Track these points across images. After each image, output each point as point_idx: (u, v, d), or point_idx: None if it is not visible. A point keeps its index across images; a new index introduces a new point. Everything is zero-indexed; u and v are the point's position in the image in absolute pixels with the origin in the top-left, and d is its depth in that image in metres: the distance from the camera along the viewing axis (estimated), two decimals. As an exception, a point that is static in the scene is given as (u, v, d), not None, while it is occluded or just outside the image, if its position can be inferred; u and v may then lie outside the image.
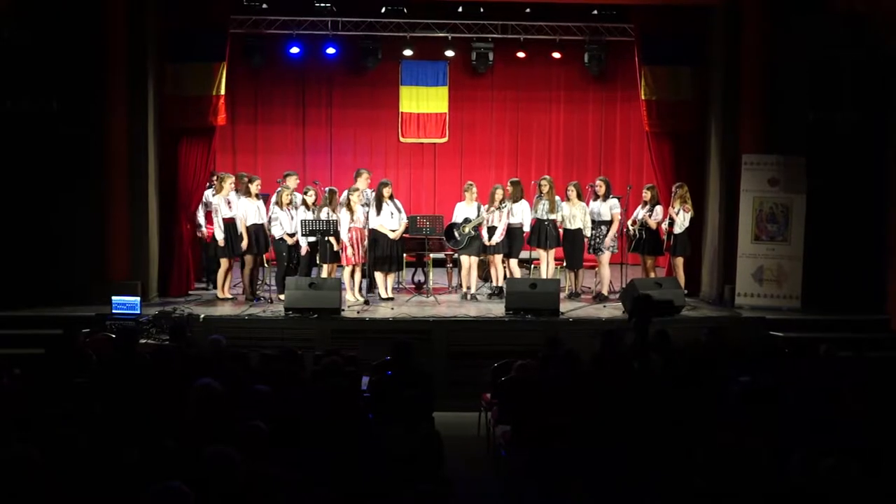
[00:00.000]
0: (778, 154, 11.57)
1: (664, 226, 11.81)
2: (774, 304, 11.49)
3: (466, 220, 11.61)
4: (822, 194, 11.51)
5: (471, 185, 11.93)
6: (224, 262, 11.59)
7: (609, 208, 11.88)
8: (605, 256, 11.88)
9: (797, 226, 11.55)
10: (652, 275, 11.78)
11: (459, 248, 11.69)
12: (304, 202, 11.57)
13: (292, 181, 11.84)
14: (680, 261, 11.77)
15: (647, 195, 11.92)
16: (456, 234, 11.63)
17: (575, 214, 11.74)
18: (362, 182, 11.75)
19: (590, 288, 12.32)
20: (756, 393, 6.22)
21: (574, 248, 11.84)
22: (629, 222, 11.99)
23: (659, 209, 11.82)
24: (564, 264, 12.12)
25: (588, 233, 11.82)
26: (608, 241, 11.83)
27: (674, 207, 11.65)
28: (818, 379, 7.08)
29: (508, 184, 11.88)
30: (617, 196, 12.15)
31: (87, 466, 4.59)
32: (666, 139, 12.44)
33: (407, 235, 11.82)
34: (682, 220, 11.61)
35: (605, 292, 11.88)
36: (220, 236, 11.42)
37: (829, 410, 6.01)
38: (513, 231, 11.74)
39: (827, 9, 11.26)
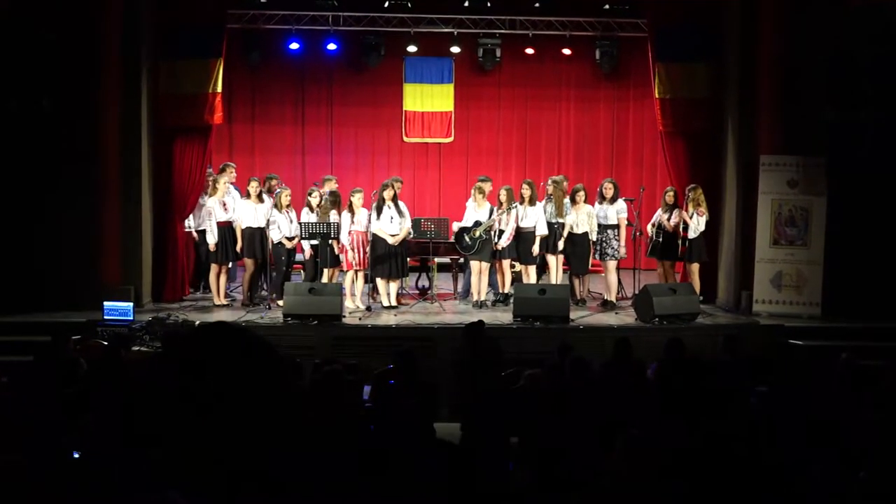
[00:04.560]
0: (797, 155, 11.30)
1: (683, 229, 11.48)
2: (794, 310, 11.24)
3: (477, 224, 11.28)
4: (843, 196, 11.24)
5: (481, 187, 11.58)
6: (214, 267, 11.36)
7: (616, 212, 11.59)
8: (612, 262, 11.55)
9: (817, 229, 11.29)
10: (669, 280, 11.42)
11: (471, 254, 11.31)
12: (308, 204, 11.32)
13: (228, 174, 11.70)
14: (695, 266, 11.47)
15: (668, 197, 11.56)
16: (466, 238, 11.26)
17: (581, 218, 11.43)
18: (330, 185, 11.82)
19: (601, 294, 11.97)
20: (776, 402, 5.99)
21: (580, 252, 11.51)
22: (648, 225, 11.68)
23: (676, 212, 11.51)
24: (569, 270, 11.86)
25: (594, 237, 11.48)
26: (622, 249, 11.54)
27: (687, 211, 11.35)
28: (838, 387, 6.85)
29: (524, 185, 11.58)
30: (629, 198, 11.90)
31: (76, 475, 4.46)
32: (680, 139, 12.15)
33: (412, 240, 11.53)
34: (697, 224, 11.30)
35: (612, 299, 11.57)
36: (211, 241, 11.21)
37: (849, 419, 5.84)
38: (525, 235, 11.38)
39: (847, 2, 11.04)
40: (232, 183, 11.72)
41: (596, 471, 4.76)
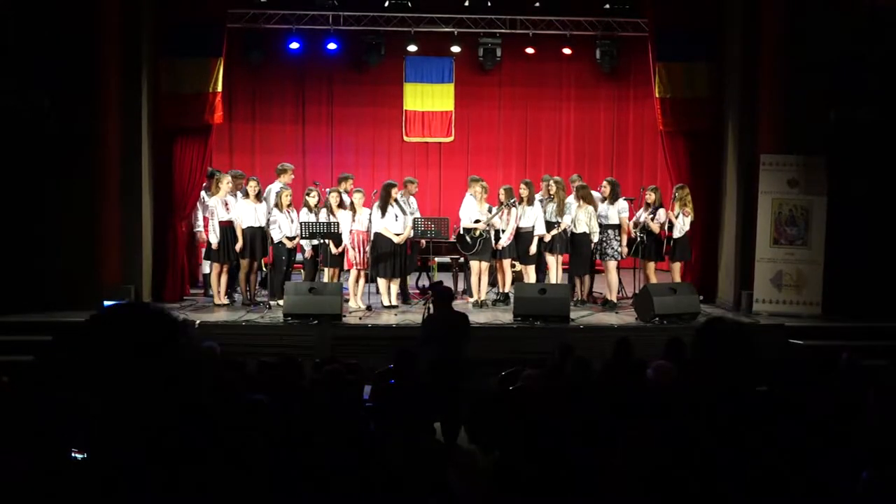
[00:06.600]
0: (798, 154, 11.22)
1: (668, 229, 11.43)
2: (794, 310, 11.17)
3: (477, 223, 11.23)
4: (843, 196, 11.16)
5: (484, 186, 11.54)
6: (216, 267, 11.27)
7: (617, 212, 11.51)
8: (613, 262, 11.51)
9: (818, 229, 11.22)
10: (653, 280, 11.36)
11: (472, 253, 11.27)
12: (307, 204, 11.23)
13: (287, 177, 11.72)
14: (678, 266, 11.47)
15: (650, 197, 11.51)
16: (468, 238, 11.21)
17: (580, 218, 11.36)
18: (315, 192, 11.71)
19: (601, 293, 11.93)
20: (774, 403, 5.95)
21: (579, 252, 11.44)
22: (631, 224, 11.58)
23: (662, 212, 11.44)
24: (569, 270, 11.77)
25: (595, 237, 11.43)
26: (624, 249, 11.46)
27: (673, 210, 11.30)
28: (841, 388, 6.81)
29: (521, 185, 11.50)
30: (629, 198, 11.81)
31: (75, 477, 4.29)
32: (681, 138, 12.07)
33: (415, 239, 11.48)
34: (682, 224, 11.27)
35: (613, 299, 11.50)
36: (213, 240, 11.11)
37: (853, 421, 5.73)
38: (524, 235, 11.33)
39: (850, 2, 10.94)
40: (288, 184, 11.67)
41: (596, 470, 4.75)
